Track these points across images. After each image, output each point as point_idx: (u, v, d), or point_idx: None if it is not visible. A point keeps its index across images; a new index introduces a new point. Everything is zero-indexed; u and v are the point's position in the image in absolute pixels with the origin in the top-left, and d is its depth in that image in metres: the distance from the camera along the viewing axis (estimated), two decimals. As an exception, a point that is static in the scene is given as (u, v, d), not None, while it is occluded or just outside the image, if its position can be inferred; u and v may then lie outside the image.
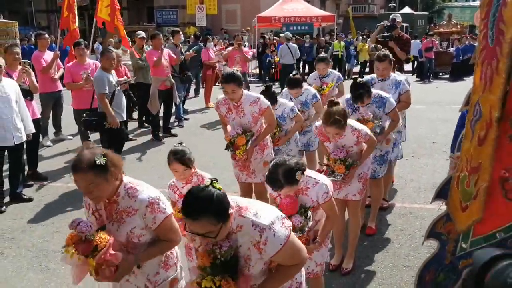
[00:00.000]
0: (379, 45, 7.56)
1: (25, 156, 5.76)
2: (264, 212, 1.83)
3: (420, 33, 21.84)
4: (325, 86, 5.46)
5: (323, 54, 6.49)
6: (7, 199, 5.25)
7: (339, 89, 5.70)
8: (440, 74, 16.82)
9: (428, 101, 10.87)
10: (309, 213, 2.57)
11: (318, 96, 4.96)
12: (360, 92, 3.83)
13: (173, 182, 3.08)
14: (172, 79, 7.84)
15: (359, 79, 4.02)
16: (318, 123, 3.56)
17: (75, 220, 1.99)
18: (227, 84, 3.66)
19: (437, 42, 16.98)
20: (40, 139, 6.53)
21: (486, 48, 2.35)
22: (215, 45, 13.36)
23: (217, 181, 1.78)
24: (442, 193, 2.70)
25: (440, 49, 16.80)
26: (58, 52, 7.22)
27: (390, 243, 4.12)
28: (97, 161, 1.96)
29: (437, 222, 2.68)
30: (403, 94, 4.46)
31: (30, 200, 5.30)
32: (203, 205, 1.69)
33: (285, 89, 5.04)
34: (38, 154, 6.14)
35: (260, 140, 3.91)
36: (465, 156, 2.49)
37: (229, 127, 3.96)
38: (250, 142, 3.80)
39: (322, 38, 17.20)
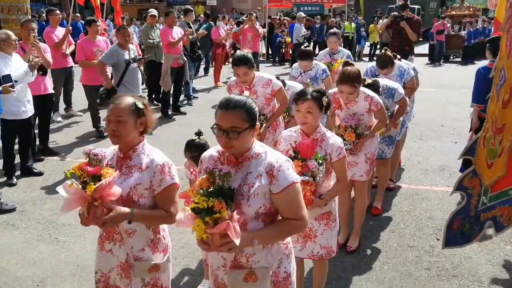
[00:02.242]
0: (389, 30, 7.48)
1: (36, 131, 5.85)
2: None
3: (432, 15, 21.40)
4: (334, 63, 5.44)
5: (334, 30, 6.43)
6: (18, 172, 5.35)
7: None
8: (451, 57, 16.58)
9: (438, 84, 10.75)
10: (324, 163, 2.55)
11: (328, 72, 4.99)
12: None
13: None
14: (184, 57, 7.83)
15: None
16: (332, 90, 3.58)
17: (90, 148, 2.02)
18: (238, 67, 3.63)
19: (448, 25, 16.67)
20: (51, 115, 6.59)
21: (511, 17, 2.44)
22: (226, 24, 13.23)
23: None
24: (470, 151, 2.89)
25: (452, 32, 16.50)
26: (70, 28, 7.21)
27: (395, 224, 4.15)
28: (137, 103, 2.08)
29: (464, 177, 2.87)
30: (408, 82, 4.45)
31: (40, 174, 5.39)
32: (239, 101, 1.82)
33: (295, 64, 5.03)
34: (49, 129, 6.20)
35: (273, 121, 3.94)
36: (490, 117, 2.69)
37: None
38: (264, 125, 3.82)
39: (333, 19, 16.93)
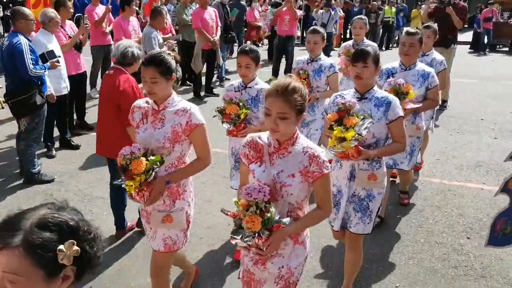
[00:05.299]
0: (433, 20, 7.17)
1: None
2: None
3: (476, 1, 20.32)
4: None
5: (361, 16, 5.73)
6: (57, 145, 5.61)
7: None
8: (498, 46, 15.76)
9: (481, 75, 10.28)
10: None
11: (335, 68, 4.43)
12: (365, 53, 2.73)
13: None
14: (216, 40, 7.81)
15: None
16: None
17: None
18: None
19: (498, 11, 15.79)
20: (88, 91, 6.79)
21: None
22: (261, 6, 13.07)
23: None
24: None
25: (501, 20, 15.63)
26: (110, 6, 7.34)
27: (424, 219, 4.07)
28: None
29: (510, 179, 2.75)
30: (431, 89, 3.72)
31: (77, 147, 5.63)
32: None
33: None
34: (85, 105, 6.41)
35: (178, 179, 2.45)
36: None
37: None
38: (154, 172, 2.32)
39: (374, 2, 16.38)
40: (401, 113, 2.68)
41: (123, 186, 2.36)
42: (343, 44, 5.37)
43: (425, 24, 5.06)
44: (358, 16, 5.37)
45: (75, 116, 6.23)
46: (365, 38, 5.18)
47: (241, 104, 3.13)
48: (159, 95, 2.39)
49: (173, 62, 2.42)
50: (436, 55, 4.58)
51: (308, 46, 4.15)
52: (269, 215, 1.84)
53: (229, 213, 1.98)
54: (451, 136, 6.19)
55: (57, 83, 5.09)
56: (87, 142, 5.83)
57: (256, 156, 2.04)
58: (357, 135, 2.46)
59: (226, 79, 9.37)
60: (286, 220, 1.90)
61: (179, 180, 2.45)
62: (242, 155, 2.10)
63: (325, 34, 4.22)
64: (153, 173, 2.31)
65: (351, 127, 2.47)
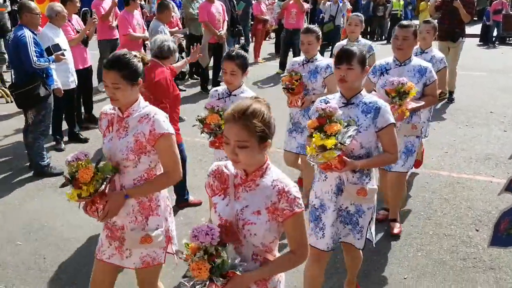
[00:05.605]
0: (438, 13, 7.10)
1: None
2: None
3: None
4: None
5: (357, 13, 5.40)
6: (65, 138, 5.66)
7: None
8: (508, 39, 15.55)
9: (491, 68, 10.15)
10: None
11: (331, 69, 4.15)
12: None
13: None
14: (223, 34, 7.80)
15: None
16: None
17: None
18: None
19: (508, 4, 15.58)
20: (96, 85, 6.83)
21: None
22: (268, -1, 13.00)
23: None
24: None
25: (511, 12, 15.42)
26: (116, 0, 7.35)
27: (433, 211, 4.05)
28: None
29: None
30: (430, 85, 3.43)
31: (86, 141, 5.68)
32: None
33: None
34: (92, 98, 6.45)
35: (139, 194, 2.19)
36: None
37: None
38: (105, 183, 2.12)
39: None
40: (392, 120, 2.42)
41: (66, 196, 2.12)
42: (337, 44, 5.15)
43: (424, 19, 4.87)
44: (355, 14, 5.14)
45: (83, 110, 6.27)
46: (360, 37, 4.91)
47: (222, 113, 2.91)
48: (122, 102, 2.14)
49: (140, 65, 2.15)
50: (436, 52, 4.29)
51: (302, 47, 3.81)
52: (219, 261, 1.58)
53: (183, 256, 1.70)
54: (460, 129, 6.14)
55: (64, 77, 5.15)
56: (96, 136, 5.86)
57: (221, 187, 1.78)
58: (339, 144, 2.22)
59: (233, 73, 9.35)
60: (245, 267, 1.63)
61: (140, 195, 2.17)
62: (206, 185, 1.84)
63: (320, 33, 3.87)
64: (104, 183, 2.08)
65: (332, 135, 2.24)
